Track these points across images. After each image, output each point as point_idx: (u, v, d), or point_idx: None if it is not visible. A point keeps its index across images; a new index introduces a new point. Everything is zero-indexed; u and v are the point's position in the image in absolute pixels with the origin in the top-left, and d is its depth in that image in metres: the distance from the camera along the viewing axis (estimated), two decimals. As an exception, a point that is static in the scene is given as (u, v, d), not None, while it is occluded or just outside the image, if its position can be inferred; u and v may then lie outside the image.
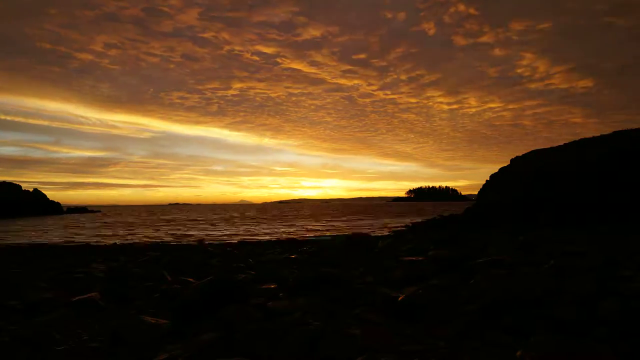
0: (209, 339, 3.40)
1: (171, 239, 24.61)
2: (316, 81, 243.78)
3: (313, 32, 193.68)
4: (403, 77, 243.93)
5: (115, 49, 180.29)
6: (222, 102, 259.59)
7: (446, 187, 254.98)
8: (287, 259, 9.95)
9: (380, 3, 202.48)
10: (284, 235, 25.12)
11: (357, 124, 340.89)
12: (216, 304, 4.46)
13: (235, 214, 69.49)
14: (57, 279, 7.39)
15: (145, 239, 23.86)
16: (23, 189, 70.91)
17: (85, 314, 4.93)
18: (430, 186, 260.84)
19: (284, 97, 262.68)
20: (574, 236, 10.32)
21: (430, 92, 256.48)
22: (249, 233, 28.22)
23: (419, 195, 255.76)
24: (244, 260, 10.51)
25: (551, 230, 12.96)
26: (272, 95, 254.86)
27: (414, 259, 7.36)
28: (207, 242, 20.55)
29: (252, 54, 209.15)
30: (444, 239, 11.61)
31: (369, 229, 29.28)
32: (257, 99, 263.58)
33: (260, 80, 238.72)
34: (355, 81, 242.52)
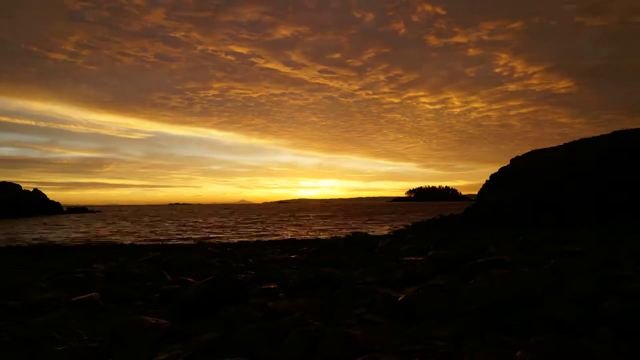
0: (209, 339, 3.40)
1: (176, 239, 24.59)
2: (296, 81, 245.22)
3: (283, 31, 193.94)
4: (382, 77, 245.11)
5: (88, 49, 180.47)
6: (204, 102, 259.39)
7: (446, 187, 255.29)
8: (287, 259, 9.95)
9: (348, 3, 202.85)
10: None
11: (343, 124, 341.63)
12: (216, 304, 4.46)
13: (257, 215, 66.23)
14: (57, 279, 7.39)
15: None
16: (23, 188, 70.98)
17: (85, 314, 4.93)
18: (430, 186, 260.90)
19: (265, 97, 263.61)
20: (574, 236, 10.32)
21: (411, 92, 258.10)
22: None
23: (419, 195, 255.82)
24: (244, 260, 10.51)
25: (551, 230, 12.96)
26: (254, 95, 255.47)
27: (414, 259, 7.36)
28: (206, 242, 20.56)
29: (227, 53, 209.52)
30: (444, 239, 11.62)
31: (369, 229, 29.28)
32: (239, 99, 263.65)
33: (238, 80, 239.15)
34: (335, 81, 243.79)
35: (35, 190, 74.06)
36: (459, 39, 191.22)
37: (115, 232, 30.95)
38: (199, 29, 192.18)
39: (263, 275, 6.68)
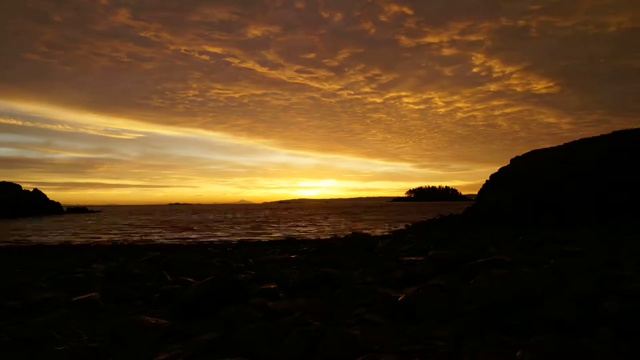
0: (209, 339, 3.40)
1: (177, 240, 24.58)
2: (275, 81, 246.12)
3: (254, 31, 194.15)
4: (360, 77, 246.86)
5: (60, 49, 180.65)
6: (186, 102, 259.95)
7: (446, 187, 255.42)
8: (287, 259, 9.95)
9: (314, 3, 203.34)
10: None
11: (330, 124, 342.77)
12: (216, 304, 4.46)
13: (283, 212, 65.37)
14: (57, 279, 7.39)
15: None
16: (23, 188, 70.97)
17: (85, 314, 4.93)
18: (430, 186, 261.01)
19: (247, 97, 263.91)
20: (574, 236, 10.32)
21: (393, 92, 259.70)
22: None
23: (419, 195, 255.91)
24: (244, 260, 10.51)
25: (551, 230, 12.96)
26: (235, 95, 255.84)
27: (413, 259, 7.36)
28: (206, 242, 20.56)
29: (200, 53, 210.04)
30: (444, 239, 11.61)
31: (369, 229, 29.28)
32: (221, 99, 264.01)
33: (216, 80, 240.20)
34: (315, 82, 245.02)
35: (36, 190, 74.09)
36: (430, 39, 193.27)
37: (116, 231, 30.96)
38: (168, 28, 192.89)
39: (263, 275, 6.68)
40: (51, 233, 29.46)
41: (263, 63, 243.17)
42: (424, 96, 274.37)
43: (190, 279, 6.62)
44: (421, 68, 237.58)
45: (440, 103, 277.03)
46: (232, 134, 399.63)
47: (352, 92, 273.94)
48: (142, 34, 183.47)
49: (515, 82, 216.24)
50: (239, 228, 32.68)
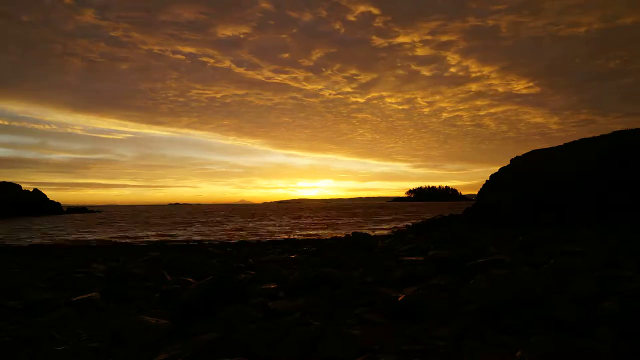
0: (209, 339, 3.39)
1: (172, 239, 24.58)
2: (254, 81, 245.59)
3: (224, 31, 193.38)
4: (339, 77, 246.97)
5: (32, 49, 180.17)
6: (167, 102, 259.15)
7: (446, 187, 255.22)
8: (287, 259, 9.96)
9: (280, 3, 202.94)
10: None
11: (316, 124, 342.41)
12: (216, 304, 4.45)
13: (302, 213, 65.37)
14: (57, 279, 7.39)
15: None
16: (23, 188, 70.97)
17: (85, 314, 4.93)
18: (430, 186, 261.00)
19: (229, 97, 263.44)
20: (574, 236, 10.32)
21: (374, 92, 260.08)
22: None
23: (419, 195, 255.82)
24: (244, 260, 10.51)
25: (551, 230, 12.96)
26: (217, 96, 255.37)
27: (414, 259, 7.36)
28: (206, 242, 20.56)
29: (174, 53, 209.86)
30: (444, 239, 11.59)
31: (369, 229, 29.28)
32: (203, 99, 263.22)
33: (195, 80, 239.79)
34: (295, 82, 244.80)
35: (35, 190, 74.10)
36: (402, 39, 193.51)
37: (116, 231, 30.96)
38: (137, 29, 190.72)
39: (263, 275, 6.68)
40: (51, 233, 29.47)
41: (239, 63, 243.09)
42: (406, 96, 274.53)
43: (190, 279, 6.63)
44: (398, 68, 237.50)
45: (423, 103, 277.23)
46: (221, 134, 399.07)
47: (334, 92, 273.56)
48: (112, 34, 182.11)
49: (495, 82, 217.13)
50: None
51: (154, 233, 29.22)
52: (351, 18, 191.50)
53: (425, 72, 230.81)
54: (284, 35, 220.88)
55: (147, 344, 3.66)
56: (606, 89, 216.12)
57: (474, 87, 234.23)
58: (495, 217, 18.23)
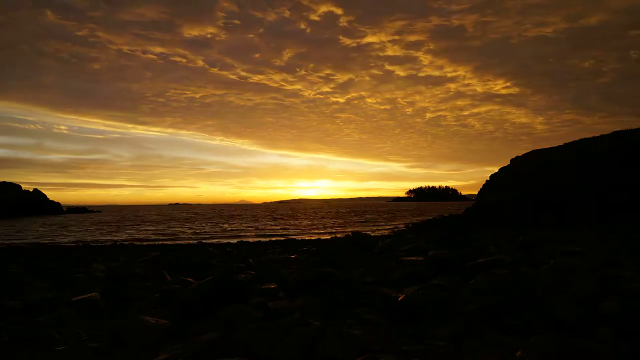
0: (209, 339, 3.39)
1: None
2: (230, 81, 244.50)
3: (190, 31, 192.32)
4: (314, 77, 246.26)
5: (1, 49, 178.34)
6: (150, 103, 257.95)
7: (446, 187, 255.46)
8: (287, 259, 9.96)
9: (242, 3, 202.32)
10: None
11: (300, 125, 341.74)
12: (216, 304, 4.45)
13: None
14: (57, 279, 7.39)
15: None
16: (23, 188, 70.95)
17: (85, 314, 4.92)
18: (430, 186, 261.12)
19: (209, 97, 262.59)
20: (574, 236, 10.32)
21: (352, 92, 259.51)
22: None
23: (419, 195, 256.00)
24: (244, 260, 10.51)
25: (551, 230, 12.96)
26: (196, 96, 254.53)
27: (413, 259, 7.36)
28: (206, 242, 20.55)
29: (144, 52, 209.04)
30: (444, 239, 11.59)
31: (369, 229, 29.28)
32: (182, 99, 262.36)
33: (171, 81, 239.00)
34: (271, 81, 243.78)
35: (36, 190, 74.11)
36: (370, 38, 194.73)
37: (116, 231, 30.96)
38: (102, 29, 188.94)
39: (263, 275, 6.68)
40: (51, 233, 29.46)
41: (211, 63, 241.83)
42: (386, 96, 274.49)
43: (190, 279, 6.63)
44: (372, 68, 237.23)
45: (404, 103, 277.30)
46: (208, 134, 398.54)
47: (313, 92, 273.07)
48: (78, 34, 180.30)
49: (472, 82, 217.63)
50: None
51: (154, 233, 29.23)
52: (315, 18, 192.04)
53: (400, 72, 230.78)
54: (251, 35, 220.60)
55: (147, 344, 3.66)
56: (585, 88, 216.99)
57: (452, 87, 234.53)
58: (495, 217, 18.23)
